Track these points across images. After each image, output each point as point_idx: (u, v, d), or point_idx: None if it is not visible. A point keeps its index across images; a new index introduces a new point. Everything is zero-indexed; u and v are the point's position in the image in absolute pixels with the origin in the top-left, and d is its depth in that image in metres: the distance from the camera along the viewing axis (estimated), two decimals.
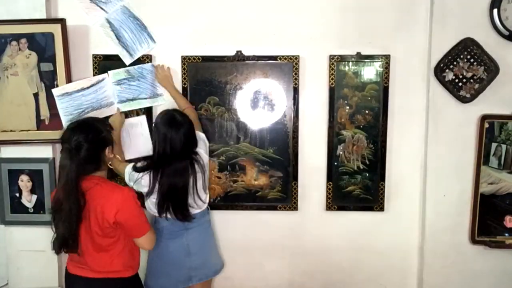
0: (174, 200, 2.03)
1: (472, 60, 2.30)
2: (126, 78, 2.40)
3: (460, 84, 2.32)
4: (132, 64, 2.40)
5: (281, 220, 2.50)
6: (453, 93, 2.33)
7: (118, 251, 1.89)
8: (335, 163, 2.43)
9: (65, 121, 2.39)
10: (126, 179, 2.12)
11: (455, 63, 2.31)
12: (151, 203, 2.09)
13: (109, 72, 2.40)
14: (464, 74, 2.31)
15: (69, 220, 1.78)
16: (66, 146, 1.82)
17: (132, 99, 2.41)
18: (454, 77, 2.32)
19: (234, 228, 2.51)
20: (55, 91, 2.37)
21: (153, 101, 2.42)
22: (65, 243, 1.82)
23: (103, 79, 2.39)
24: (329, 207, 2.46)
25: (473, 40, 2.29)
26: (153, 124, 2.13)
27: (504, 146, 2.34)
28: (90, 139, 1.83)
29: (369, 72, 2.39)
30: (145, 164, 2.07)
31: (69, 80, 2.38)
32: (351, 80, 2.39)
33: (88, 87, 2.39)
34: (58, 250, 1.85)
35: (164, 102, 2.42)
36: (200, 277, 2.21)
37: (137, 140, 2.42)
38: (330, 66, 2.38)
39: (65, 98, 2.38)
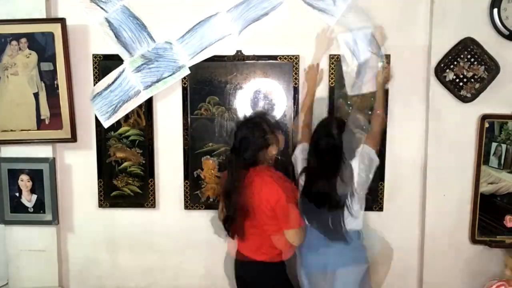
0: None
1: (472, 60, 2.30)
2: (144, 63, 2.38)
3: (460, 83, 2.32)
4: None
5: None
6: (454, 92, 2.33)
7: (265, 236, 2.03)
8: None
9: (103, 120, 2.42)
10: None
11: (455, 62, 2.31)
12: None
13: (125, 62, 2.39)
14: (465, 73, 2.31)
15: (235, 211, 2.00)
16: (233, 142, 2.04)
17: (157, 81, 2.39)
18: (454, 77, 2.32)
19: None
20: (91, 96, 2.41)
21: (178, 75, 2.39)
22: (230, 228, 2.07)
23: (123, 70, 2.39)
24: None
25: (473, 39, 2.29)
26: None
27: (504, 146, 2.34)
28: (253, 140, 1.98)
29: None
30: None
31: (69, 80, 2.39)
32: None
33: (113, 82, 2.40)
34: (229, 233, 2.10)
35: (189, 72, 2.39)
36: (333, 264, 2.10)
37: None
38: (330, 66, 2.38)
39: (98, 98, 2.40)
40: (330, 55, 2.37)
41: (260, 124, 2.03)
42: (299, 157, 2.21)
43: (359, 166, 2.03)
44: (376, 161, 2.09)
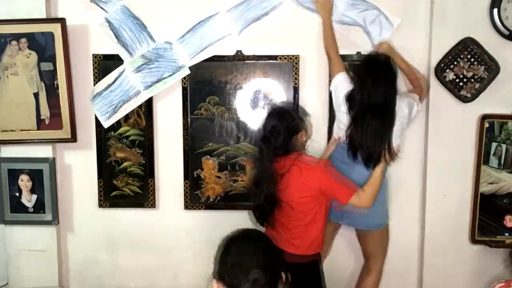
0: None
1: (472, 60, 2.30)
2: (144, 63, 2.38)
3: (461, 83, 2.32)
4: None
5: None
6: (454, 93, 2.33)
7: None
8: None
9: (103, 120, 2.42)
10: None
11: (455, 62, 2.31)
12: None
13: (125, 62, 2.39)
14: (465, 73, 2.31)
15: (265, 199, 2.02)
16: (262, 132, 2.08)
17: (157, 81, 2.39)
18: (454, 77, 2.32)
19: (234, 228, 2.49)
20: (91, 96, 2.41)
21: (178, 75, 2.39)
22: (260, 217, 2.10)
23: (123, 70, 2.39)
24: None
25: (473, 39, 2.29)
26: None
27: (504, 146, 2.34)
28: (285, 126, 2.01)
29: None
30: None
31: (69, 80, 2.39)
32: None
33: (113, 82, 2.40)
34: (259, 221, 2.12)
35: (189, 72, 2.39)
36: (349, 222, 2.21)
37: None
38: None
39: (98, 98, 2.40)
40: None
41: (288, 111, 2.11)
42: (340, 88, 2.18)
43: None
44: (418, 105, 2.19)
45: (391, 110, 2.05)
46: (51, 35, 2.36)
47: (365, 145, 2.04)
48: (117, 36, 2.39)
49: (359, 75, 2.10)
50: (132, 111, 2.44)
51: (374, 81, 2.02)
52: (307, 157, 2.06)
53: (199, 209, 2.52)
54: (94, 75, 2.44)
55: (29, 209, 2.48)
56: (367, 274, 2.33)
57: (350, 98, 2.10)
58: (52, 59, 2.37)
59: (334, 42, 2.28)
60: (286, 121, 2.03)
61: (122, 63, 2.40)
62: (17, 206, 2.48)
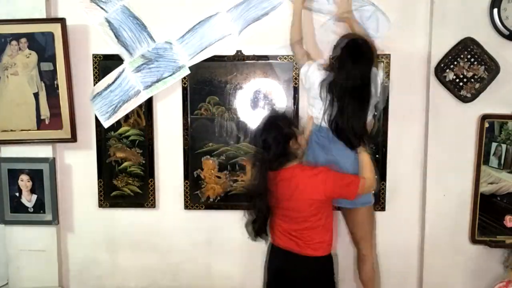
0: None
1: (472, 60, 2.30)
2: (144, 63, 2.39)
3: (461, 83, 2.32)
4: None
5: None
6: (454, 93, 2.33)
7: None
8: None
9: (103, 120, 2.42)
10: None
11: (455, 62, 2.31)
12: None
13: (125, 62, 2.39)
14: (465, 73, 2.31)
15: (260, 213, 2.08)
16: (255, 149, 2.13)
17: (157, 81, 2.39)
18: (454, 77, 2.32)
19: (234, 228, 2.51)
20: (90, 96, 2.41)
21: (178, 75, 2.39)
22: (258, 230, 2.14)
23: (123, 70, 2.39)
24: None
25: (473, 39, 2.29)
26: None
27: (504, 146, 2.34)
28: (273, 137, 2.01)
29: None
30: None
31: (69, 80, 2.39)
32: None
33: (113, 82, 2.40)
34: (255, 234, 2.16)
35: (189, 72, 2.39)
36: (335, 201, 2.18)
37: None
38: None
39: (98, 98, 2.41)
40: (330, 55, 2.36)
41: (274, 122, 2.09)
42: (313, 75, 2.19)
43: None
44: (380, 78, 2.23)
45: (368, 89, 2.08)
46: (51, 35, 2.36)
47: (350, 126, 2.05)
48: (117, 36, 2.39)
49: (340, 58, 2.10)
50: (132, 111, 2.44)
51: (354, 62, 2.04)
52: (305, 170, 2.04)
53: (199, 209, 2.52)
54: (94, 75, 2.44)
55: (29, 209, 2.49)
56: (363, 263, 2.32)
57: (330, 84, 2.10)
58: (52, 59, 2.37)
59: (300, 33, 2.27)
60: (275, 133, 2.02)
61: (122, 63, 2.40)
62: (17, 206, 2.49)
